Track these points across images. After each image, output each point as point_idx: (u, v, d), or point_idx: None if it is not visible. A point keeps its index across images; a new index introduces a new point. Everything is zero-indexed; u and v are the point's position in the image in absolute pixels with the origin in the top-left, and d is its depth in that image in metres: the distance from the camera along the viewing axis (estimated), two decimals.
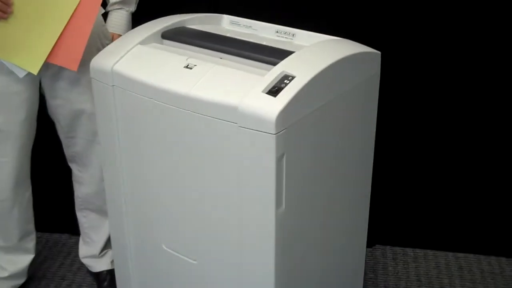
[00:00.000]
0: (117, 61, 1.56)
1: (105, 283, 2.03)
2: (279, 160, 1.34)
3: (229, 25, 1.80)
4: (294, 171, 1.40)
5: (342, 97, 1.51)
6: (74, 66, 1.65)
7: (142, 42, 1.61)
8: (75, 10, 1.61)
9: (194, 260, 1.59)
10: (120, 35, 1.87)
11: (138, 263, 1.77)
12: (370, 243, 2.29)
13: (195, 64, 1.47)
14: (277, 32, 1.71)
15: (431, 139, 2.17)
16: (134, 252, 1.76)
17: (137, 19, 1.89)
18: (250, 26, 1.76)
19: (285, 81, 1.36)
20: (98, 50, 1.74)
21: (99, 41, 1.79)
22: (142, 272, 1.77)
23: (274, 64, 1.43)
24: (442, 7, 2.01)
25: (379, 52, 1.62)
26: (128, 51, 1.57)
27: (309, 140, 1.43)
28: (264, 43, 1.60)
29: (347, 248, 1.77)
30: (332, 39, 1.62)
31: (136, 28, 1.69)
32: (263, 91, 1.34)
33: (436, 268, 2.16)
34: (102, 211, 1.96)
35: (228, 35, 1.67)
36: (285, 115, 1.31)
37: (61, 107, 1.81)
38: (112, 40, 1.84)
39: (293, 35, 1.69)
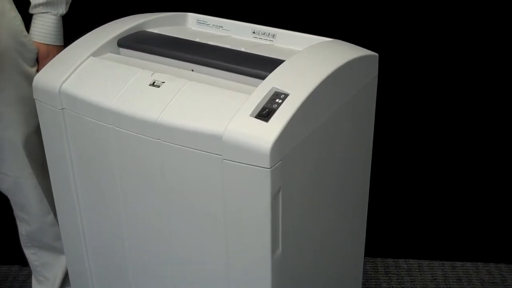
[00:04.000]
0: (66, 79, 1.28)
1: None
2: (274, 197, 1.10)
3: (195, 25, 1.53)
4: (292, 206, 1.16)
5: (342, 110, 1.27)
6: None
7: (96, 53, 1.33)
8: None
9: None
10: (48, 45, 1.53)
11: None
12: None
13: (163, 80, 1.21)
14: (254, 32, 1.46)
15: (423, 144, 1.97)
16: None
17: (91, 22, 1.57)
18: (221, 26, 1.50)
19: (277, 100, 1.11)
20: (18, 67, 1.47)
21: (19, 56, 1.47)
22: None
23: (261, 77, 1.18)
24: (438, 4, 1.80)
25: (377, 54, 1.38)
26: (78, 66, 1.30)
27: (308, 166, 1.19)
28: (242, 49, 1.34)
29: (345, 271, 1.55)
30: (323, 42, 1.37)
31: (86, 36, 1.40)
32: (251, 115, 1.09)
33: (433, 280, 1.97)
34: (52, 248, 1.69)
35: (197, 39, 1.40)
36: (280, 144, 1.07)
37: None
38: (39, 52, 1.51)
39: (273, 36, 1.44)
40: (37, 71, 1.51)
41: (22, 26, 1.47)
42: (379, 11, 1.81)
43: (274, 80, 1.15)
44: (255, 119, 1.08)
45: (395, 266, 2.05)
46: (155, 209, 1.24)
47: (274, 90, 1.13)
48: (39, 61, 1.52)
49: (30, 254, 1.75)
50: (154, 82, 1.21)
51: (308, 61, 1.23)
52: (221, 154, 1.09)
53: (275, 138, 1.05)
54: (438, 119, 1.94)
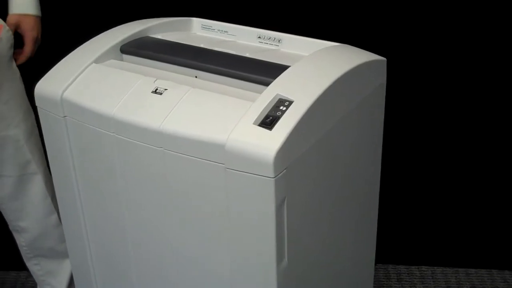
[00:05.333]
0: (68, 86, 1.26)
1: None
2: (279, 206, 1.07)
3: (200, 30, 1.51)
4: (296, 215, 1.13)
5: (349, 117, 1.24)
6: None
7: (98, 60, 1.31)
8: None
9: None
10: (29, 16, 1.52)
11: None
12: None
13: (166, 87, 1.18)
14: (260, 37, 1.43)
15: (435, 149, 1.92)
16: None
17: (94, 28, 1.55)
18: (226, 31, 1.47)
19: (281, 107, 1.08)
20: (7, 63, 1.49)
21: (7, 52, 1.49)
22: None
23: (265, 83, 1.15)
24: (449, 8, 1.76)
25: (385, 59, 1.35)
26: (80, 73, 1.28)
27: (313, 175, 1.16)
28: (246, 54, 1.32)
29: (355, 279, 1.52)
30: (330, 47, 1.34)
31: (89, 41, 1.38)
32: (254, 123, 1.06)
33: None
34: (56, 252, 1.67)
35: (201, 45, 1.37)
36: (285, 153, 1.04)
37: None
38: (24, 25, 1.51)
39: (279, 40, 1.41)
40: (24, 46, 1.54)
41: (3, 21, 1.48)
42: (387, 14, 1.78)
43: (278, 87, 1.12)
44: (259, 127, 1.06)
45: (408, 273, 2.01)
46: (158, 218, 1.22)
47: (278, 97, 1.10)
48: (24, 35, 1.53)
49: (32, 265, 1.73)
50: (156, 89, 1.19)
51: (313, 67, 1.20)
52: (223, 163, 1.07)
53: (279, 147, 1.03)
54: (449, 124, 1.90)
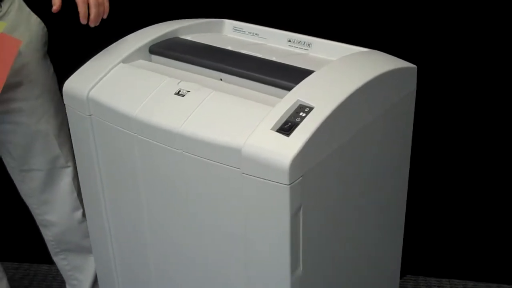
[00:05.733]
0: (94, 86, 1.27)
1: None
2: (294, 214, 1.05)
3: (232, 32, 1.51)
4: (314, 224, 1.11)
5: (373, 125, 1.21)
6: None
7: (126, 60, 1.32)
8: None
9: None
10: None
11: None
12: (400, 273, 2.01)
13: (188, 90, 1.18)
14: (290, 41, 1.42)
15: (467, 160, 1.86)
16: None
17: (127, 28, 1.57)
18: (257, 34, 1.47)
19: (301, 113, 1.07)
20: (42, 59, 1.50)
21: (41, 48, 1.50)
22: None
23: (288, 88, 1.14)
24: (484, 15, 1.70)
25: (415, 66, 1.32)
26: (107, 72, 1.29)
27: (332, 184, 1.14)
28: (273, 58, 1.30)
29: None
30: (359, 52, 1.31)
31: (119, 41, 1.40)
32: (272, 128, 1.05)
33: None
34: (82, 247, 1.69)
35: (229, 47, 1.37)
36: (301, 160, 1.02)
37: (11, 134, 1.52)
38: None
39: (309, 45, 1.39)
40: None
41: (38, 19, 1.49)
42: (422, 22, 1.73)
43: (300, 92, 1.11)
44: (277, 133, 1.04)
45: (438, 286, 1.96)
46: (175, 220, 1.22)
47: (299, 103, 1.09)
48: None
49: (60, 260, 1.75)
50: (179, 91, 1.19)
51: (338, 73, 1.18)
52: (240, 168, 1.06)
53: (295, 154, 1.01)
54: (479, 133, 1.83)
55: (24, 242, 2.11)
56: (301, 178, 1.03)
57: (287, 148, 1.02)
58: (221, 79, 1.27)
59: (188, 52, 1.34)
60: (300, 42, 1.41)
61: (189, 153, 1.12)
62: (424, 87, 1.77)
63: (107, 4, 1.32)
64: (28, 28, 1.47)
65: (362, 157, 1.22)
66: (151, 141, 1.18)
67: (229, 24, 1.52)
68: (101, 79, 1.28)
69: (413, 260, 2.00)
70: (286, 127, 1.05)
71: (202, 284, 1.25)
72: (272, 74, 1.20)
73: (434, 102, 1.78)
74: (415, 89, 1.33)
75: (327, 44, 1.37)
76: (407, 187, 1.45)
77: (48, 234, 1.69)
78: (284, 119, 1.06)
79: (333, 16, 1.74)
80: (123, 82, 1.26)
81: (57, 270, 2.03)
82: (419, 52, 1.71)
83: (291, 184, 1.02)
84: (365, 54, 1.30)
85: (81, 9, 1.28)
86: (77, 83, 1.29)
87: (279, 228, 1.06)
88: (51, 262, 1.87)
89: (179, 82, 1.21)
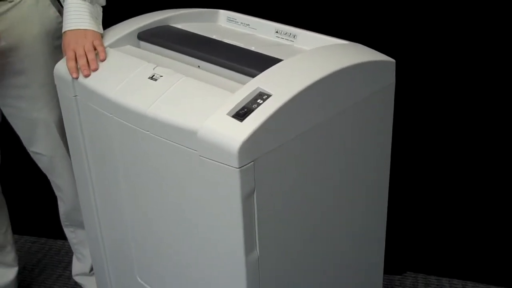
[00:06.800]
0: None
1: None
2: (246, 198, 1.08)
3: (225, 22, 1.54)
4: (270, 209, 1.14)
5: (343, 116, 1.23)
6: None
7: (114, 45, 1.38)
8: None
9: None
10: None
11: None
12: (400, 270, 2.01)
13: (161, 74, 1.23)
14: (277, 32, 1.44)
15: (470, 159, 1.84)
16: (113, 278, 1.56)
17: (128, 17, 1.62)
18: (248, 24, 1.50)
19: (259, 100, 1.10)
20: (50, 52, 1.54)
21: (51, 41, 1.55)
22: None
23: (253, 76, 1.17)
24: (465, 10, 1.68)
25: (394, 60, 1.32)
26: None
27: (292, 171, 1.16)
28: (252, 48, 1.34)
29: (356, 285, 1.50)
30: (338, 44, 1.33)
31: (112, 27, 1.46)
32: (228, 114, 1.08)
33: None
34: None
35: (214, 36, 1.41)
36: (252, 145, 1.05)
37: (13, 117, 1.61)
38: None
39: (294, 36, 1.42)
40: None
41: (57, 13, 1.55)
42: (415, 19, 1.71)
43: (263, 80, 1.14)
44: (231, 118, 1.08)
45: (437, 284, 1.94)
46: (147, 198, 1.27)
47: (259, 90, 1.12)
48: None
49: (69, 232, 1.85)
50: (153, 76, 1.24)
51: (305, 62, 1.20)
52: (197, 150, 1.10)
53: (245, 139, 1.04)
54: (464, 126, 1.80)
55: (43, 218, 2.22)
56: (252, 162, 1.06)
57: (238, 133, 1.05)
58: (199, 66, 1.31)
59: (172, 39, 1.39)
60: (286, 33, 1.43)
61: (154, 134, 1.17)
62: (418, 84, 1.78)
63: (100, 48, 1.34)
64: (41, 21, 1.52)
65: (331, 147, 1.23)
66: (124, 122, 1.23)
67: (223, 15, 1.55)
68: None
69: (414, 257, 1.99)
70: (241, 113, 1.08)
71: (171, 258, 1.30)
72: (241, 62, 1.24)
73: (419, 96, 1.77)
74: (394, 82, 1.34)
75: (311, 36, 1.39)
76: (388, 183, 1.45)
77: (60, 207, 1.79)
78: (242, 105, 1.09)
79: (329, 11, 1.75)
80: (106, 65, 1.32)
81: (70, 247, 2.13)
82: (411, 49, 1.71)
83: (241, 167, 1.05)
84: (342, 46, 1.31)
85: (68, 64, 1.34)
86: (65, 66, 1.36)
87: (232, 210, 1.09)
88: (65, 238, 1.97)
89: (154, 67, 1.25)
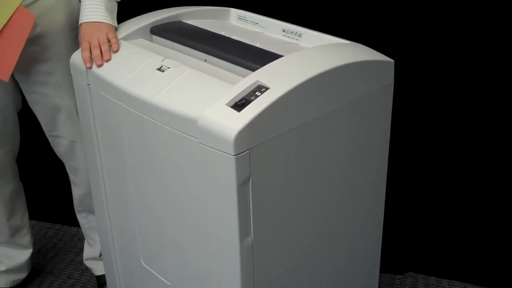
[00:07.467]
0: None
1: (105, 287, 1.92)
2: (241, 185, 1.14)
3: (236, 20, 1.61)
4: (267, 197, 1.20)
5: (341, 112, 1.28)
6: (5, 77, 1.52)
7: (126, 37, 1.46)
8: (8, 23, 1.47)
9: (169, 281, 1.43)
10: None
11: (123, 274, 1.64)
12: (401, 269, 2.04)
13: (169, 66, 1.30)
14: (284, 31, 1.50)
15: (471, 160, 1.88)
16: (120, 262, 1.63)
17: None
18: (257, 23, 1.56)
19: (257, 93, 1.16)
20: (73, 41, 1.61)
21: (74, 31, 1.61)
22: (127, 283, 1.64)
23: (254, 70, 1.23)
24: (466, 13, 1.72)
25: (392, 61, 1.37)
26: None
27: (289, 161, 1.22)
28: (257, 44, 1.40)
29: (350, 280, 1.54)
30: (339, 43, 1.39)
31: (126, 21, 1.53)
32: (227, 104, 1.15)
33: None
34: None
35: (223, 33, 1.48)
36: (248, 134, 1.11)
37: (37, 103, 1.69)
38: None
39: (300, 35, 1.48)
40: None
41: (79, 5, 1.62)
42: (419, 22, 1.76)
43: (262, 74, 1.20)
44: (230, 108, 1.14)
45: (437, 285, 1.97)
46: (152, 184, 1.34)
47: (258, 83, 1.18)
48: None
49: (81, 218, 1.92)
50: (161, 67, 1.30)
51: (305, 59, 1.26)
52: (197, 138, 1.16)
53: (242, 127, 1.10)
54: (463, 126, 1.84)
55: (59, 206, 2.30)
56: (248, 151, 1.12)
57: (235, 122, 1.11)
58: (205, 60, 1.37)
59: (182, 34, 1.46)
60: (292, 32, 1.49)
61: (159, 122, 1.24)
62: (418, 84, 1.82)
63: (114, 40, 1.42)
64: (65, 11, 1.60)
65: (327, 142, 1.29)
66: (132, 110, 1.30)
67: (234, 13, 1.62)
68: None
69: (416, 258, 2.03)
70: (240, 104, 1.14)
71: (172, 243, 1.36)
72: (245, 57, 1.30)
73: (426, 99, 1.81)
74: (392, 82, 1.39)
75: (316, 36, 1.45)
76: (385, 182, 1.50)
77: (74, 192, 1.87)
78: (241, 97, 1.16)
79: (335, 12, 1.80)
80: (118, 56, 1.40)
81: (83, 234, 2.21)
82: (411, 50, 1.76)
83: (237, 155, 1.11)
84: (342, 45, 1.37)
85: (82, 54, 1.42)
86: (80, 56, 1.44)
87: (228, 196, 1.15)
88: (79, 225, 2.06)
89: (163, 60, 1.32)
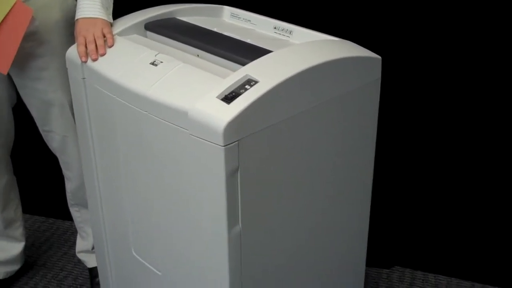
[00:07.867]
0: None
1: (97, 279, 1.95)
2: (230, 175, 1.18)
3: (228, 17, 1.65)
4: (255, 188, 1.24)
5: (326, 106, 1.32)
6: (4, 70, 1.56)
7: (121, 33, 1.49)
8: (6, 17, 1.51)
9: (159, 271, 1.47)
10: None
11: (115, 266, 1.67)
12: (388, 264, 2.09)
13: (162, 60, 1.34)
14: (275, 28, 1.55)
15: (467, 157, 1.92)
16: (112, 254, 1.66)
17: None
18: (249, 20, 1.61)
19: (246, 86, 1.20)
20: (67, 37, 1.65)
21: (68, 27, 1.65)
22: (118, 275, 1.68)
23: (244, 64, 1.27)
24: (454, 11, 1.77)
25: (380, 57, 1.41)
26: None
27: (277, 153, 1.26)
28: (248, 40, 1.44)
29: (336, 272, 1.58)
30: (328, 40, 1.43)
31: (121, 17, 1.57)
32: (217, 97, 1.19)
33: None
34: None
35: (215, 29, 1.52)
36: (237, 126, 1.15)
37: (30, 98, 1.73)
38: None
39: (290, 32, 1.52)
40: None
41: (75, 2, 1.66)
42: (405, 18, 1.81)
43: (252, 68, 1.24)
44: (220, 101, 1.18)
45: (423, 280, 2.01)
46: (144, 175, 1.38)
47: (248, 77, 1.22)
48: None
49: (74, 211, 1.95)
50: (154, 62, 1.34)
51: (293, 54, 1.30)
52: (188, 129, 1.20)
53: (231, 119, 1.14)
54: (451, 121, 1.88)
55: (52, 200, 2.34)
56: (236, 142, 1.16)
57: (225, 114, 1.15)
58: (198, 55, 1.41)
59: (176, 30, 1.50)
60: (283, 29, 1.53)
61: (152, 114, 1.28)
62: (405, 80, 1.87)
63: (109, 36, 1.46)
64: (61, 9, 1.64)
65: (315, 135, 1.33)
66: (125, 103, 1.34)
67: (228, 11, 1.66)
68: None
69: (402, 252, 2.07)
70: (230, 96, 1.18)
71: (162, 233, 1.40)
72: (236, 52, 1.34)
73: (414, 95, 1.86)
74: (379, 78, 1.43)
75: (306, 33, 1.49)
76: (371, 176, 1.54)
77: (67, 186, 1.90)
78: (230, 90, 1.19)
79: (326, 10, 1.85)
80: (113, 51, 1.43)
81: (76, 228, 2.24)
82: (400, 48, 1.80)
83: (226, 145, 1.15)
84: (331, 41, 1.41)
85: (78, 49, 1.45)
86: (75, 50, 1.47)
87: (217, 186, 1.19)
88: (72, 219, 2.09)
89: (156, 54, 1.36)
